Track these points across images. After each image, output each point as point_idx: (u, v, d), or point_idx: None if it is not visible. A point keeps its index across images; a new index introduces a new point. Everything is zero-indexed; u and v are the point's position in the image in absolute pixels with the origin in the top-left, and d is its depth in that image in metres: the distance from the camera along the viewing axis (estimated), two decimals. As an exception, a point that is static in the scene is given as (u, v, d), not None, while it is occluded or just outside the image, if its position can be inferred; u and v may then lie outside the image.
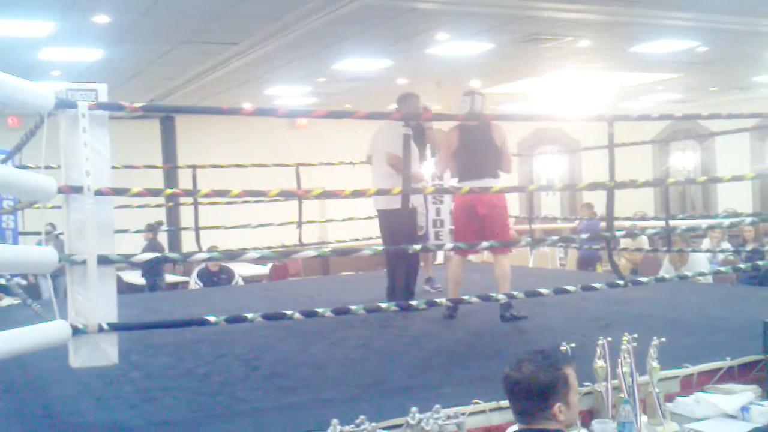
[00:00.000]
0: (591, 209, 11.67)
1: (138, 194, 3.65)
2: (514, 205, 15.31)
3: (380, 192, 4.96)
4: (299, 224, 8.66)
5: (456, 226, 5.88)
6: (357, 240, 8.68)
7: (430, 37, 9.53)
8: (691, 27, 9.50)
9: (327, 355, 4.62)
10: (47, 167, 3.45)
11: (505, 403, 3.15)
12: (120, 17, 7.98)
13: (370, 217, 9.14)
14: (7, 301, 7.54)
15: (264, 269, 11.88)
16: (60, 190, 3.30)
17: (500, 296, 4.75)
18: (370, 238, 8.95)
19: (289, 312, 3.88)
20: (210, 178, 7.42)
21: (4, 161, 5.41)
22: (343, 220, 9.04)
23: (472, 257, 9.98)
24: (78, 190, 3.30)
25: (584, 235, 5.72)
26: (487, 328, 5.31)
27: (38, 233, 6.92)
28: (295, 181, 8.67)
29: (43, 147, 3.36)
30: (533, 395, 2.54)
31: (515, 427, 2.77)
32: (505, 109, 15.78)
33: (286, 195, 4.72)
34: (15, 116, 13.48)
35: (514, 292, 4.52)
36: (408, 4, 8.04)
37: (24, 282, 7.98)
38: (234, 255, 4.36)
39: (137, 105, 3.75)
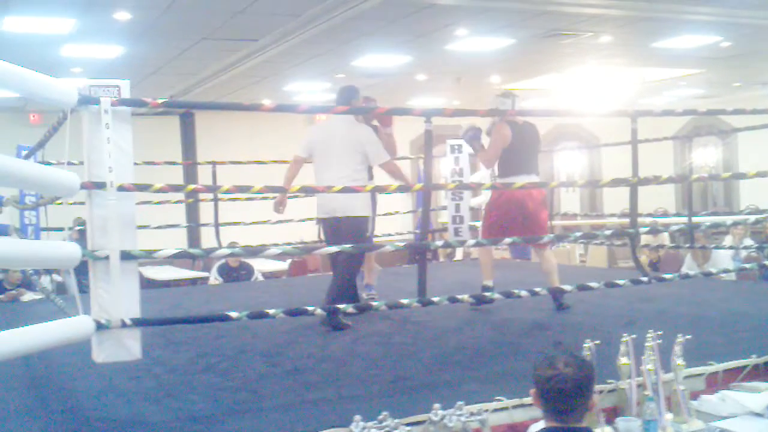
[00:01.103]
0: None
1: (160, 190, 3.66)
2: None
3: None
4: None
5: (498, 219, 5.85)
6: (376, 236, 8.66)
7: (450, 33, 9.49)
8: (714, 22, 9.39)
9: (348, 351, 4.62)
10: (70, 163, 3.46)
11: (528, 399, 3.14)
12: (141, 14, 8.00)
13: (388, 213, 9.19)
14: (30, 296, 7.60)
15: (283, 265, 11.90)
16: (83, 186, 3.32)
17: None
18: (390, 235, 8.96)
19: (310, 308, 3.88)
20: (229, 175, 7.42)
21: (27, 157, 5.45)
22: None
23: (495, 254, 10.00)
24: (101, 186, 3.31)
25: (608, 232, 5.65)
26: (508, 325, 5.29)
27: (61, 229, 6.98)
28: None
29: (66, 143, 3.38)
30: (584, 391, 2.55)
31: (540, 425, 2.75)
32: (526, 105, 15.72)
33: (306, 191, 4.72)
34: (36, 113, 13.57)
35: (537, 289, 4.49)
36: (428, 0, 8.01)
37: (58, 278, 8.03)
38: (255, 251, 4.35)
39: (159, 101, 3.76)
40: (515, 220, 5.72)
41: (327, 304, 5.04)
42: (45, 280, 7.50)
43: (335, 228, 5.59)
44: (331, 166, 5.56)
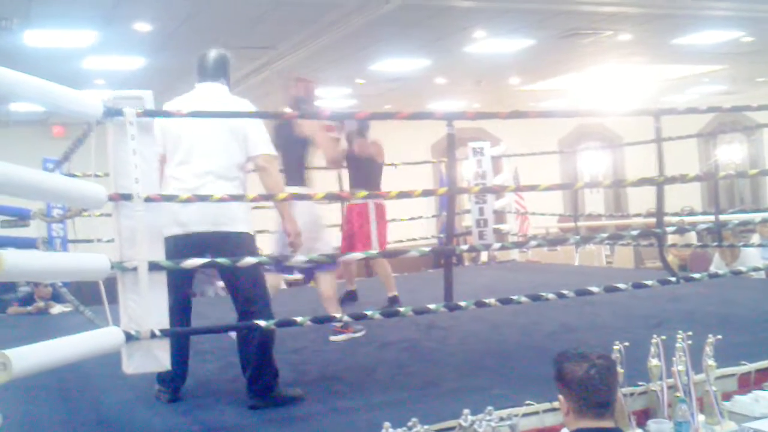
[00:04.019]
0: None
1: (187, 200, 3.66)
2: (557, 203, 15.22)
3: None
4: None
5: (363, 231, 6.17)
6: (401, 242, 8.65)
7: (468, 36, 9.48)
8: (734, 17, 9.32)
9: (376, 357, 4.61)
10: (96, 175, 3.48)
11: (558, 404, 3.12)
12: (161, 25, 8.07)
13: (413, 218, 9.16)
14: (59, 308, 7.66)
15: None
16: (110, 198, 3.33)
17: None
18: (414, 240, 8.95)
19: (337, 315, 3.87)
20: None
21: (53, 170, 5.50)
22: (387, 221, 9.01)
23: (516, 256, 9.97)
24: (127, 197, 3.32)
25: (634, 232, 5.61)
26: (535, 328, 5.26)
27: (90, 241, 7.04)
28: (336, 183, 8.65)
29: (92, 155, 3.39)
30: (616, 381, 2.63)
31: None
32: (546, 106, 15.65)
33: (331, 198, 4.71)
34: (59, 125, 13.70)
35: (564, 291, 4.44)
36: (445, 2, 8.00)
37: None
38: (283, 259, 4.35)
39: (184, 111, 3.77)
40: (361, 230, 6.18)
41: (253, 375, 3.79)
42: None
43: (200, 249, 3.73)
44: (193, 158, 3.89)
